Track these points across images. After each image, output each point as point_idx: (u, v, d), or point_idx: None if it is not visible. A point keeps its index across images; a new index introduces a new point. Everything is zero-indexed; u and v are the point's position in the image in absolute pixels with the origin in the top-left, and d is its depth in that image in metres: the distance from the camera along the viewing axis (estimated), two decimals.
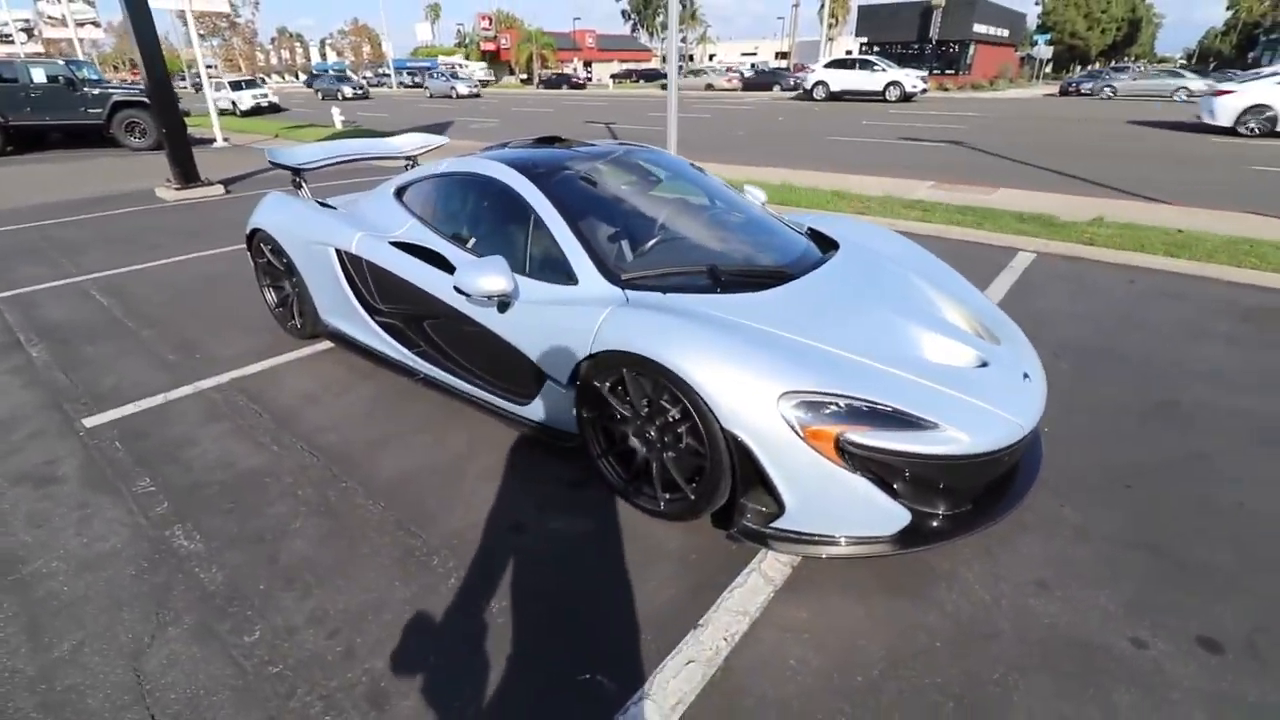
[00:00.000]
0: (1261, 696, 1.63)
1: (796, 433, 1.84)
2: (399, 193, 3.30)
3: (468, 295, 2.38)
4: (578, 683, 1.67)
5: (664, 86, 18.60)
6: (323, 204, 3.76)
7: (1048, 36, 48.23)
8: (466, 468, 2.60)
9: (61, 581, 2.05)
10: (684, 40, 76.57)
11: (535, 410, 2.55)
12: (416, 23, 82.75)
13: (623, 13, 74.60)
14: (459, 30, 75.03)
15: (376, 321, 3.14)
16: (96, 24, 23.79)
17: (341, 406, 3.11)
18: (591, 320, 2.17)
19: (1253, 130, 13.16)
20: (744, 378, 1.90)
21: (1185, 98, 23.91)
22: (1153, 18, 74.75)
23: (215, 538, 2.22)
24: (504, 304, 2.43)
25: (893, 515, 1.92)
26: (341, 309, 3.33)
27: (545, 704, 1.62)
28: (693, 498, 2.10)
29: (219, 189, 8.50)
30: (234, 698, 1.65)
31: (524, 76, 54.48)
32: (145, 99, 13.46)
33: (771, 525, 1.99)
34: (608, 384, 2.22)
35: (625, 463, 2.33)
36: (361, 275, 3.12)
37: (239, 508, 2.38)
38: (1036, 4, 59.74)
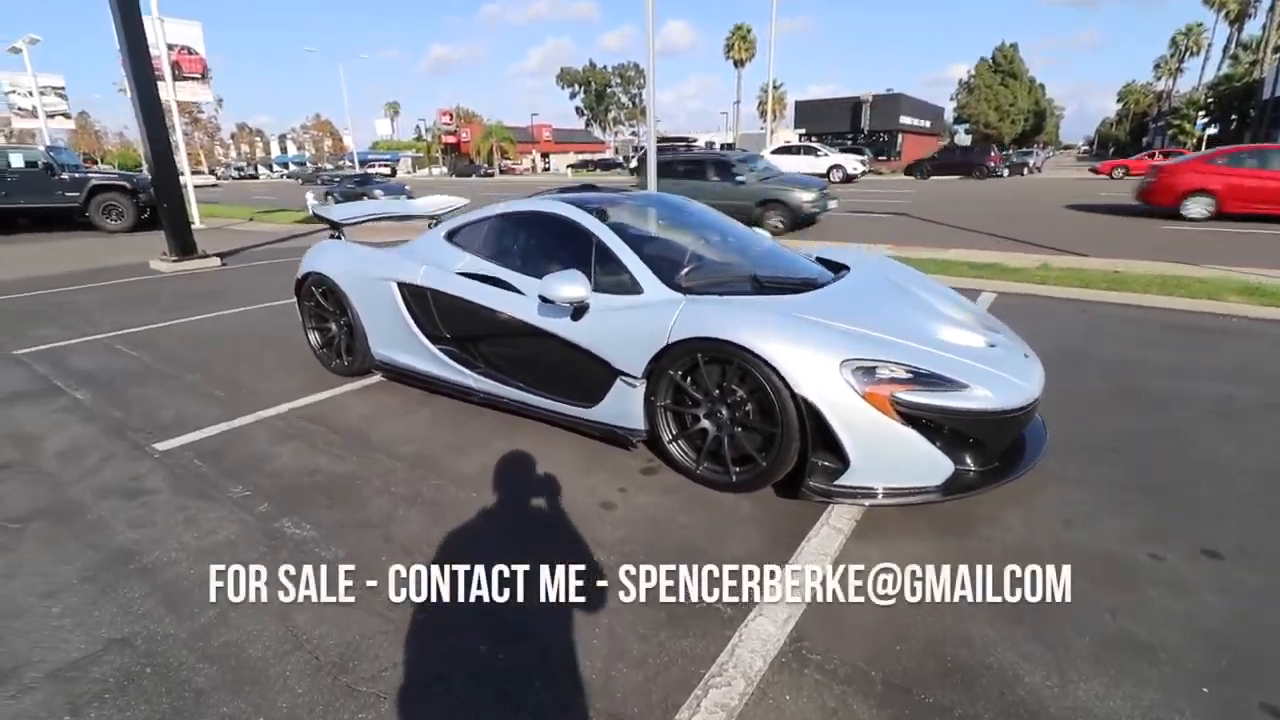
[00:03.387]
0: (1259, 585, 1.99)
1: (857, 393, 2.20)
2: (450, 235, 3.66)
3: (551, 302, 2.71)
4: (697, 608, 1.90)
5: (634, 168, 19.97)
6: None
7: (966, 126, 53.59)
8: (542, 464, 2.84)
9: (185, 566, 2.17)
10: (635, 134, 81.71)
11: (602, 411, 2.83)
12: (376, 118, 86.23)
13: (577, 109, 79.63)
14: (419, 126, 78.40)
15: (438, 347, 3.41)
16: (67, 115, 24.12)
17: (406, 424, 3.32)
18: (666, 316, 2.53)
19: None
20: (808, 350, 2.28)
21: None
22: (1054, 109, 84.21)
23: (325, 526, 2.39)
24: (579, 311, 2.77)
25: (938, 466, 2.27)
26: (399, 339, 3.59)
27: (668, 637, 1.84)
28: (765, 465, 2.40)
29: (215, 261, 8.69)
30: (388, 640, 1.81)
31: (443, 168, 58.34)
32: (123, 183, 13.82)
33: (836, 482, 2.31)
34: (680, 372, 2.55)
35: (694, 445, 2.63)
36: (424, 304, 3.41)
37: (338, 503, 2.55)
38: (952, 99, 66.65)
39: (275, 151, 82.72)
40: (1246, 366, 4.00)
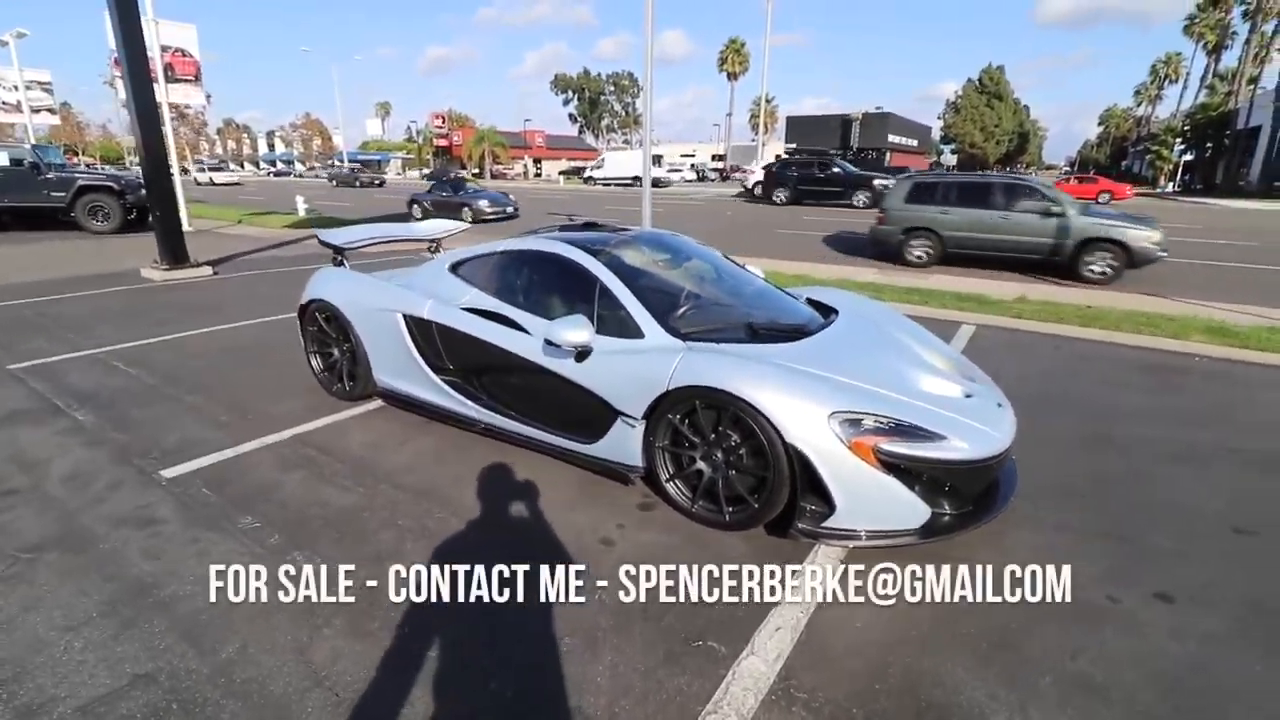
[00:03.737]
0: (1207, 629, 2.17)
1: (843, 443, 2.37)
2: (454, 268, 3.78)
3: (556, 345, 2.85)
4: (692, 647, 2.04)
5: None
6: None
7: (952, 146, 54.63)
8: (543, 499, 2.96)
9: (202, 600, 2.27)
10: (626, 141, 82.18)
11: (602, 448, 2.96)
12: (367, 118, 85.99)
13: (570, 115, 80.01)
14: (409, 127, 78.26)
15: (441, 378, 3.52)
16: (52, 111, 23.83)
17: (408, 454, 3.42)
18: (667, 363, 2.67)
19: None
20: (800, 402, 2.43)
21: None
22: (1038, 131, 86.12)
23: (336, 559, 2.49)
24: (583, 354, 2.90)
25: (917, 510, 2.43)
26: (402, 369, 3.69)
27: (666, 674, 1.98)
28: (756, 506, 2.55)
29: (207, 270, 8.71)
30: (403, 676, 1.93)
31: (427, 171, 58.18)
32: (110, 184, 13.73)
33: (823, 525, 2.46)
34: (679, 416, 2.70)
35: (690, 484, 2.77)
36: (429, 337, 3.53)
37: (347, 536, 2.66)
38: (939, 118, 67.95)
39: (263, 149, 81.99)
40: (1209, 408, 4.24)
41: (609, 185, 42.68)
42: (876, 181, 21.40)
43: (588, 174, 46.98)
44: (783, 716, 1.80)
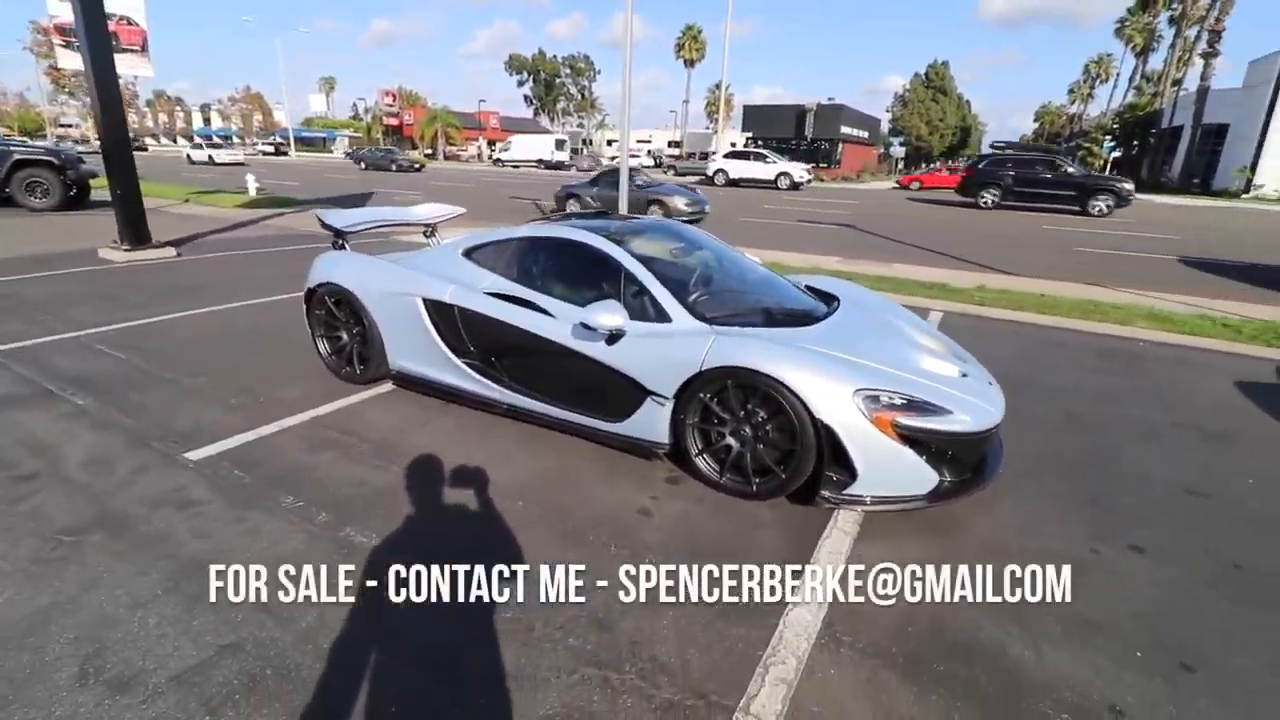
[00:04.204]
0: (1171, 574, 2.52)
1: (866, 417, 2.61)
2: (469, 253, 3.85)
3: (590, 329, 2.99)
4: (718, 631, 2.25)
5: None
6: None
7: (901, 138, 56.28)
8: (573, 474, 3.12)
9: (266, 574, 2.33)
10: (581, 125, 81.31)
11: (630, 426, 3.13)
12: (310, 93, 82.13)
13: (525, 97, 78.52)
14: (355, 104, 75.34)
15: (463, 361, 3.60)
16: None
17: (431, 435, 3.51)
18: (699, 346, 2.86)
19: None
20: (827, 381, 2.66)
21: None
22: (978, 125, 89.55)
23: (389, 534, 2.59)
24: (614, 337, 3.06)
25: (927, 478, 2.70)
26: (420, 352, 3.75)
27: (726, 626, 2.19)
28: (784, 477, 2.78)
29: (171, 251, 8.37)
30: (487, 637, 2.07)
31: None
32: (49, 159, 12.88)
33: (844, 492, 2.71)
34: (710, 394, 2.89)
35: (718, 458, 2.97)
36: (450, 321, 3.60)
37: (395, 513, 2.75)
38: (888, 111, 69.85)
39: (197, 123, 77.27)
40: (1155, 387, 4.72)
41: (518, 166, 44.39)
42: (1121, 186, 18.88)
43: (496, 156, 48.05)
44: (832, 657, 2.04)
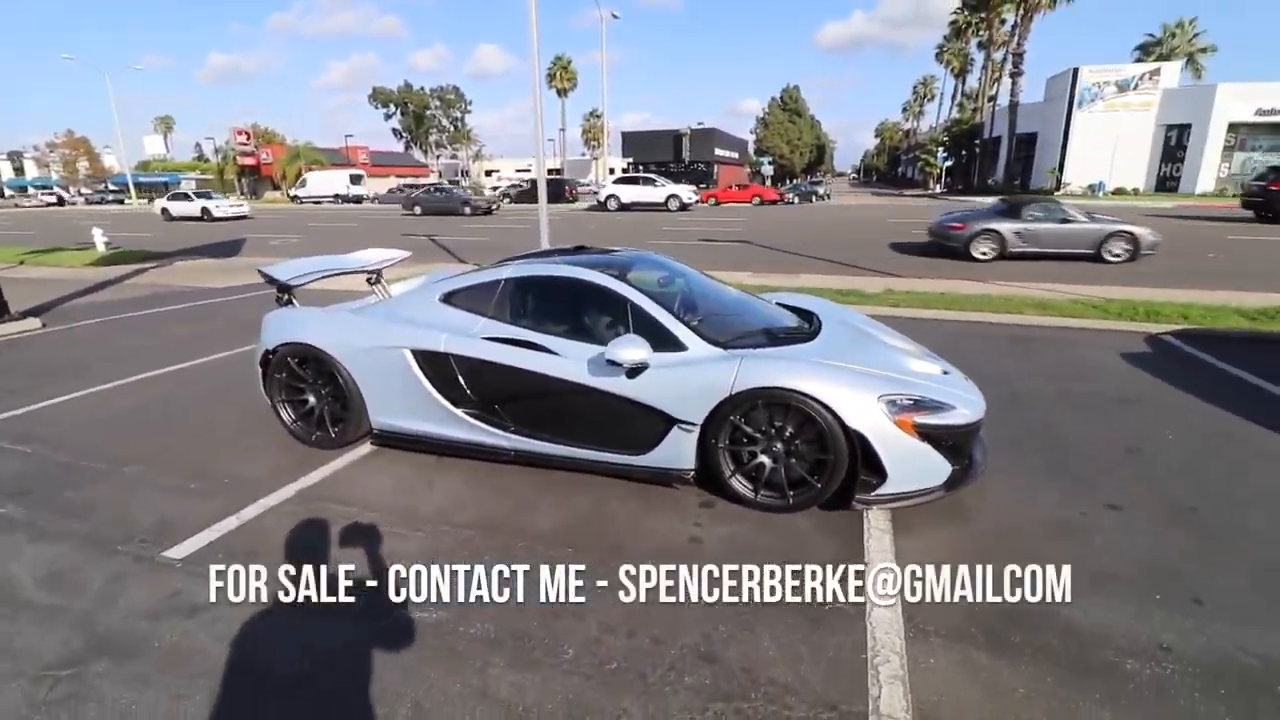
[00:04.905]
0: (1146, 524, 2.95)
1: (891, 421, 2.83)
2: (448, 298, 3.72)
3: (616, 364, 3.00)
4: (816, 642, 2.36)
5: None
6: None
7: (770, 158, 60.38)
8: (610, 514, 3.09)
9: (349, 667, 2.13)
10: (455, 157, 79.79)
11: (655, 456, 3.16)
12: (145, 134, 74.14)
13: (394, 130, 75.82)
14: (199, 145, 69.06)
15: (464, 411, 3.46)
16: None
17: (443, 494, 3.33)
18: (726, 370, 2.96)
19: None
20: (852, 392, 2.86)
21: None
22: (830, 143, 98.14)
23: (450, 604, 2.43)
24: (635, 371, 3.08)
25: (941, 469, 2.97)
26: (411, 406, 3.55)
27: (822, 635, 2.28)
28: (819, 486, 2.93)
29: (34, 322, 7.25)
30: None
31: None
32: None
33: (875, 493, 2.91)
34: (739, 416, 2.99)
35: (749, 477, 3.08)
36: (445, 371, 3.45)
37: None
38: (752, 133, 74.73)
39: (7, 173, 66.72)
40: (1063, 364, 5.44)
41: (319, 203, 44.27)
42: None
43: (292, 193, 47.28)
44: (926, 648, 2.19)
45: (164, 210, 29.97)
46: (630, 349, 2.98)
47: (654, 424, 3.11)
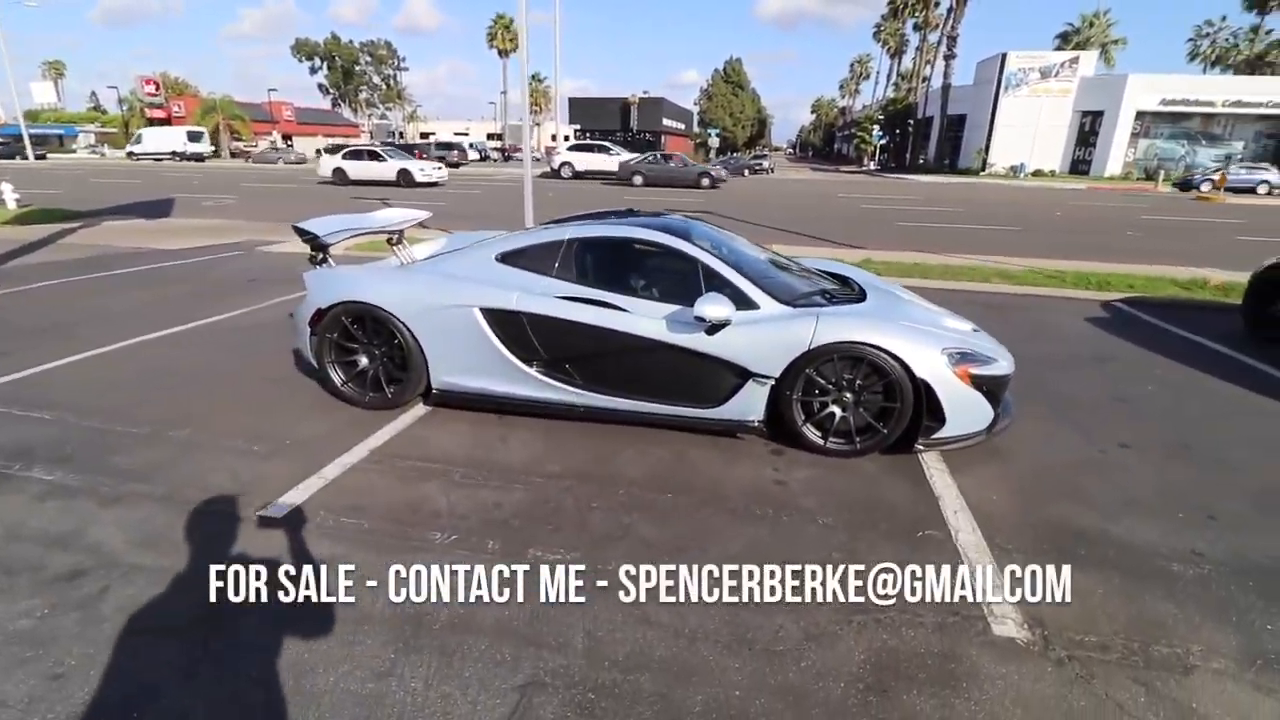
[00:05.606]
0: (1154, 458, 3.41)
1: (952, 372, 3.14)
2: (505, 258, 3.75)
3: (703, 320, 3.15)
4: (916, 538, 2.65)
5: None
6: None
7: (716, 130, 60.61)
8: (693, 463, 3.28)
9: (515, 607, 2.23)
10: (384, 117, 75.82)
11: (728, 409, 3.36)
12: (32, 81, 66.23)
13: (320, 86, 71.06)
14: (94, 94, 62.56)
15: (534, 368, 3.53)
16: None
17: (520, 447, 3.41)
18: (805, 327, 3.17)
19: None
20: (919, 346, 3.15)
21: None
22: (769, 118, 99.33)
23: (579, 547, 2.57)
24: (715, 328, 3.25)
25: (988, 415, 3.32)
26: (479, 364, 3.59)
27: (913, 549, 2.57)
28: (885, 431, 3.22)
29: None
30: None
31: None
32: None
33: (935, 436, 3.23)
34: (814, 369, 3.22)
35: (819, 425, 3.33)
36: (517, 328, 3.50)
37: (563, 526, 2.71)
38: (696, 104, 74.61)
39: None
40: (1037, 327, 5.98)
41: (160, 160, 43.54)
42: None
43: (129, 149, 46.81)
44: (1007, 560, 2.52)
45: (337, 171, 24.02)
46: (717, 305, 3.14)
47: (729, 378, 3.30)
